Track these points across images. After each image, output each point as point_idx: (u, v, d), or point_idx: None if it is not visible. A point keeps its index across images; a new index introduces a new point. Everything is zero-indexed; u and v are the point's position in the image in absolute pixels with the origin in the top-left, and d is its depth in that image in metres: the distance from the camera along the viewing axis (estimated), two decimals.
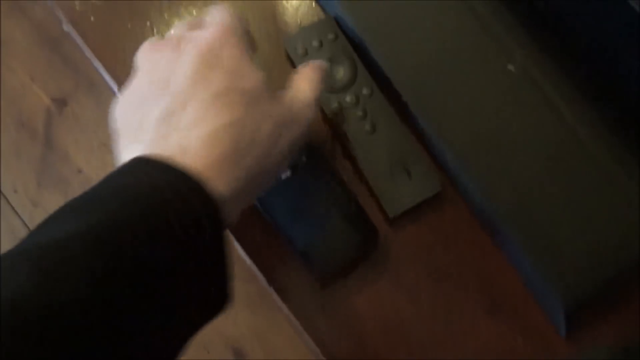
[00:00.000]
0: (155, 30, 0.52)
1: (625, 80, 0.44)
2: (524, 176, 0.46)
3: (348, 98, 0.48)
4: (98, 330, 0.30)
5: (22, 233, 1.38)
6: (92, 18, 0.53)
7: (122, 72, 0.52)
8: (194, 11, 0.52)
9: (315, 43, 0.49)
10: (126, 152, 0.38)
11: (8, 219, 1.41)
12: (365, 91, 0.48)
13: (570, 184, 0.46)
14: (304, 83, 0.42)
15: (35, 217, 1.39)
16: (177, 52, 0.39)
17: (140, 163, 0.35)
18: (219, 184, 0.35)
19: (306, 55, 0.49)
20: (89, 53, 0.53)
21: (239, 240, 0.48)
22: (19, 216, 1.40)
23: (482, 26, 0.48)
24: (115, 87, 0.52)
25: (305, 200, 0.45)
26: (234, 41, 0.39)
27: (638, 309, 0.45)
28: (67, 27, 0.53)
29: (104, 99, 1.43)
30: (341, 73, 0.48)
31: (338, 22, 0.49)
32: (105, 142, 1.42)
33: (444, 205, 0.48)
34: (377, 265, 0.47)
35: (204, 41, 0.38)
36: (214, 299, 0.36)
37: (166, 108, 0.37)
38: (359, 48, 0.49)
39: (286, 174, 0.45)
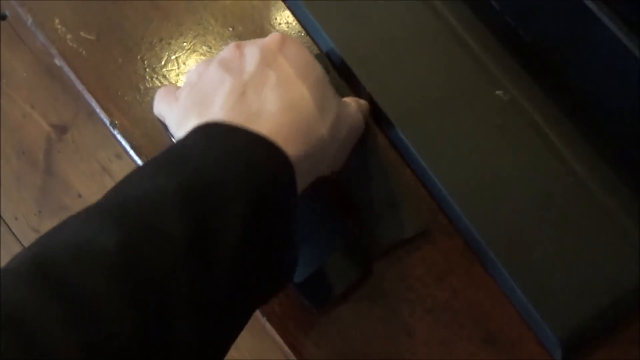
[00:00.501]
0: (146, 63, 0.52)
1: (615, 109, 0.44)
2: (516, 210, 0.45)
3: None
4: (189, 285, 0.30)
5: None
6: (83, 53, 0.53)
7: (114, 105, 0.52)
8: (184, 44, 0.53)
9: None
10: (191, 125, 0.37)
11: (9, 247, 1.41)
12: None
13: (562, 217, 0.45)
14: (354, 102, 0.45)
15: None
16: (240, 50, 0.40)
17: (214, 127, 0.36)
18: (287, 148, 0.35)
19: None
20: (80, 87, 0.53)
21: None
22: (21, 243, 1.40)
23: (472, 57, 0.48)
24: (107, 120, 0.52)
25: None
26: (293, 40, 0.41)
27: (634, 336, 0.45)
28: (59, 62, 0.54)
29: (102, 126, 1.43)
30: None
31: (330, 57, 0.49)
32: (105, 167, 1.43)
33: (438, 237, 0.48)
34: (371, 298, 0.47)
35: (266, 41, 0.41)
36: (286, 265, 0.37)
37: (236, 84, 0.38)
38: (351, 82, 0.49)
39: None
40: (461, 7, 0.49)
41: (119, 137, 0.51)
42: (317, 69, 0.40)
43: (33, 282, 0.27)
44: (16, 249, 1.40)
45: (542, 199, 0.46)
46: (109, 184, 1.41)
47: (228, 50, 0.41)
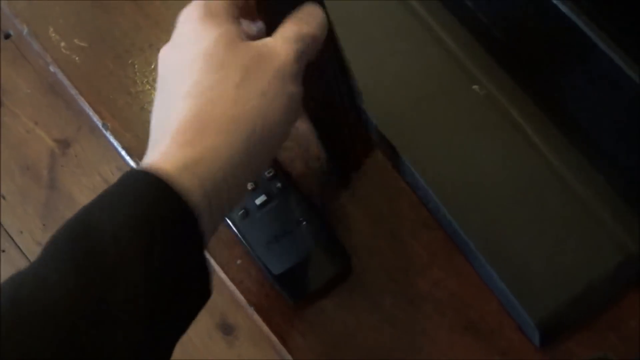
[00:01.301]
0: (136, 68, 0.54)
1: (587, 102, 0.46)
2: (494, 201, 0.47)
3: None
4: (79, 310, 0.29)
5: None
6: (77, 59, 0.55)
7: (106, 109, 0.54)
8: None
9: None
10: None
11: (15, 261, 1.43)
12: None
13: (539, 207, 0.47)
14: (291, 21, 0.38)
15: None
16: None
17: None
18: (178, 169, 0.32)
19: None
20: (74, 91, 0.55)
21: (220, 266, 0.49)
22: (26, 257, 1.42)
23: (449, 54, 0.50)
24: (99, 122, 0.54)
25: (279, 226, 0.46)
26: (186, 17, 0.38)
27: (610, 322, 0.46)
28: (53, 68, 0.56)
29: (104, 140, 1.46)
30: None
31: None
32: (108, 180, 1.45)
33: (420, 229, 0.49)
34: (354, 290, 0.48)
35: None
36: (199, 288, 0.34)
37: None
38: None
39: (261, 199, 0.47)
40: (437, 6, 0.51)
41: (111, 138, 0.53)
42: (206, 38, 0.36)
43: None
44: (22, 263, 1.42)
45: (519, 190, 0.47)
46: None
47: None
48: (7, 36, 1.56)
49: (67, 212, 1.44)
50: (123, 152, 0.52)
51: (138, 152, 0.52)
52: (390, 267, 0.48)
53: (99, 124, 0.54)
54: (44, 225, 1.44)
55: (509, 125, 0.48)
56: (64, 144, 1.49)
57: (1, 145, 1.51)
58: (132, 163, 0.52)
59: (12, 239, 1.44)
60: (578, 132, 0.47)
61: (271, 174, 0.48)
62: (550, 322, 0.45)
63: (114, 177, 1.45)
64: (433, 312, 0.47)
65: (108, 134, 0.53)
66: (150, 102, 0.52)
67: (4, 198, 1.47)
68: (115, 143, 0.53)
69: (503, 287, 0.45)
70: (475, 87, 0.49)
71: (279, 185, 0.47)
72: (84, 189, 1.45)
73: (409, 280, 0.48)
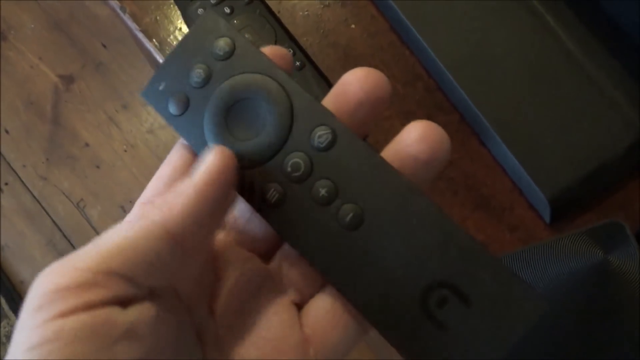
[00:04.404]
0: None
1: None
2: (510, 82, 0.47)
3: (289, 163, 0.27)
4: None
5: (33, 208, 1.41)
6: None
7: None
8: None
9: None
10: None
11: (18, 194, 1.43)
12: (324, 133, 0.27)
13: (552, 87, 0.47)
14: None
15: (45, 192, 1.41)
16: None
17: None
18: None
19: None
20: None
21: None
22: (29, 191, 1.43)
23: None
24: (116, 6, 0.54)
25: None
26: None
27: (619, 201, 0.47)
28: None
29: (109, 78, 1.46)
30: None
31: None
32: (112, 117, 1.45)
33: (435, 113, 0.50)
34: None
35: None
36: None
37: None
38: None
39: None
40: None
41: (129, 22, 0.53)
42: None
43: None
44: (24, 196, 1.43)
45: (535, 72, 0.48)
46: (116, 133, 1.44)
47: None
48: None
49: (71, 148, 1.45)
50: (140, 35, 0.53)
51: (156, 35, 0.53)
52: None
53: (117, 7, 0.54)
54: (47, 159, 1.44)
55: (526, 9, 0.49)
56: (68, 79, 1.48)
57: (5, 81, 1.51)
58: (147, 44, 0.52)
59: (16, 173, 1.45)
60: (593, 15, 0.48)
61: None
62: (561, 198, 0.46)
63: (118, 114, 1.45)
64: (446, 189, 0.48)
65: (126, 18, 0.53)
66: None
67: (7, 132, 1.48)
68: (133, 26, 0.53)
69: (516, 165, 0.46)
70: None
71: None
72: (88, 126, 1.45)
73: None
